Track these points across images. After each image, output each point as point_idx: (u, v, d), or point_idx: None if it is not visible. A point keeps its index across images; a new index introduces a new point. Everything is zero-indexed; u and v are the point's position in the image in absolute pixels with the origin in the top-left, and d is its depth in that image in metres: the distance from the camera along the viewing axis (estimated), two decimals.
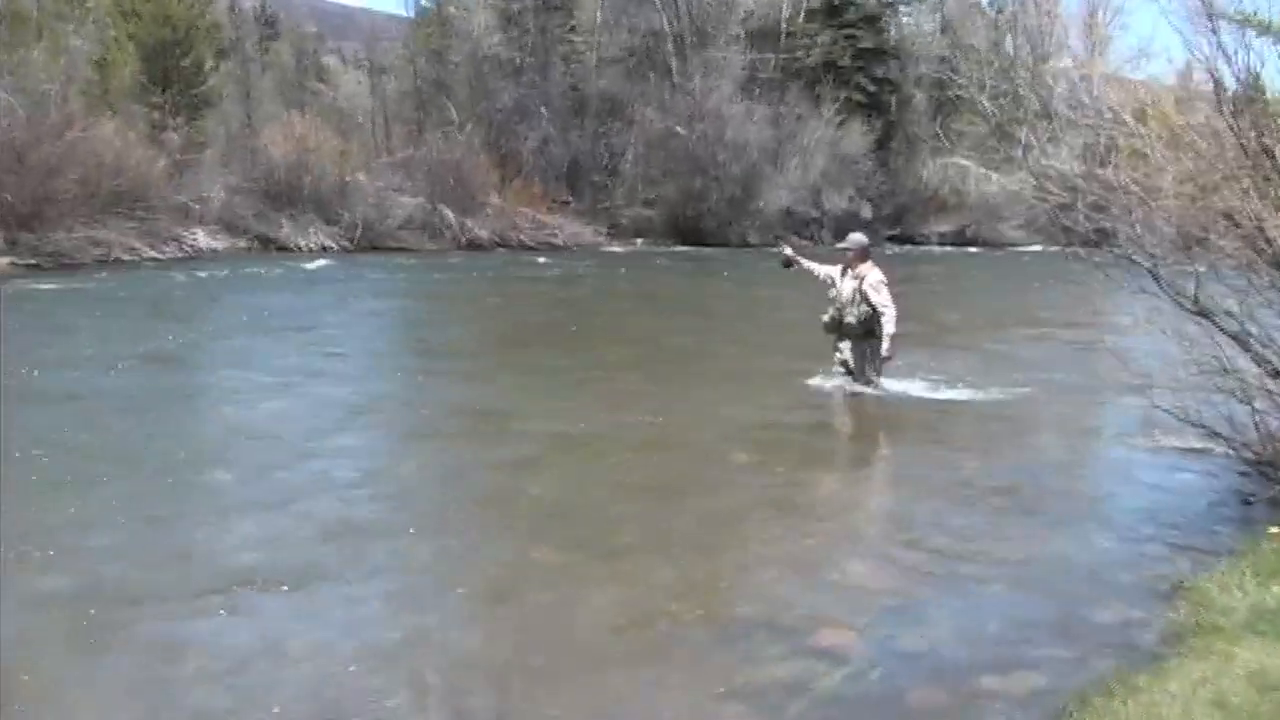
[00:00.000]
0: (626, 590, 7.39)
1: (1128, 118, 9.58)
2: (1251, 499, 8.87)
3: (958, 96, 57.53)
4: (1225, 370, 9.06)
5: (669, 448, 11.56)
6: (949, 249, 56.99)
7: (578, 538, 8.47)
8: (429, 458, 11.23)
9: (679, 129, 52.25)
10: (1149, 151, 9.06)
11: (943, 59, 62.70)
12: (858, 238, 14.62)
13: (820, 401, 13.93)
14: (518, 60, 53.34)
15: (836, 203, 57.29)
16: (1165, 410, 9.85)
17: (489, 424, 12.56)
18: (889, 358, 13.82)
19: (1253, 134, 8.15)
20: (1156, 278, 8.97)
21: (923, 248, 57.65)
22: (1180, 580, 7.28)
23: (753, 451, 11.37)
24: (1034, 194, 9.60)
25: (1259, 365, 8.85)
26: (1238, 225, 8.26)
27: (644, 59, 56.46)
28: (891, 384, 14.11)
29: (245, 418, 12.58)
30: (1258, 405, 9.15)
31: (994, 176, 60.70)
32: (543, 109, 52.37)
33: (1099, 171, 9.03)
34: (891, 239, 57.01)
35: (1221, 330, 8.93)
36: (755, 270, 38.77)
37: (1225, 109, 8.37)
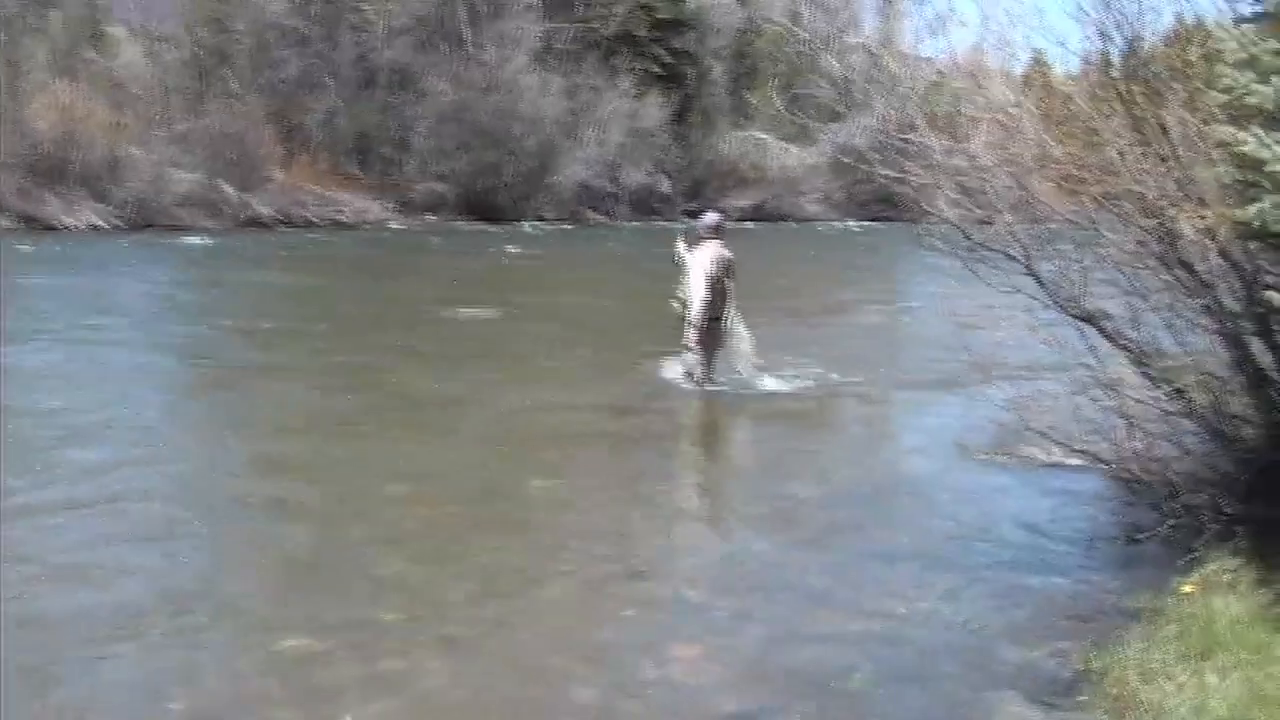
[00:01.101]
0: None
1: (1000, 86, 8.25)
2: (1140, 536, 7.56)
3: (755, 68, 57.02)
4: (1101, 383, 7.80)
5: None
6: (749, 224, 56.12)
7: None
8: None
9: (471, 101, 50.47)
10: (1013, 124, 7.73)
11: (741, 31, 62.08)
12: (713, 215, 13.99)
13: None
14: (303, 29, 51.00)
15: (634, 177, 56.12)
16: (1029, 425, 8.64)
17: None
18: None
19: (1145, 104, 6.89)
20: (1036, 275, 7.56)
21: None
22: (1086, 663, 5.82)
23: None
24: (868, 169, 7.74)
25: (1149, 379, 7.53)
26: (1141, 212, 6.93)
27: (436, 28, 54.36)
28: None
29: None
30: (1139, 420, 7.85)
31: (792, 150, 60.30)
32: (330, 80, 50.16)
33: (965, 145, 7.60)
34: (688, 213, 55.97)
35: (1109, 339, 7.60)
36: (547, 246, 37.60)
37: (1117, 75, 7.11)
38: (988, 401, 9.36)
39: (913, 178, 7.68)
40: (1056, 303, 7.53)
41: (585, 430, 11.46)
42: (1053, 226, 7.70)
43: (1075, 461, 8.82)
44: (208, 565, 7.53)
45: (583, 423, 11.88)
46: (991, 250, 7.57)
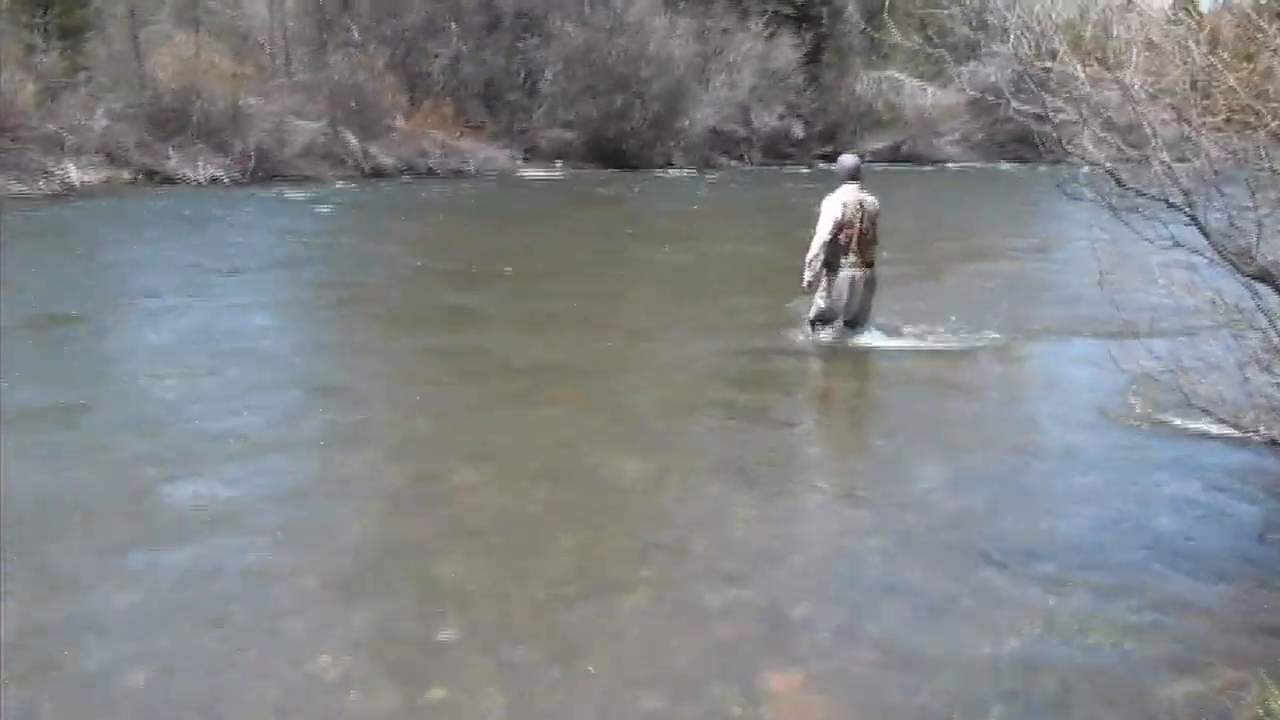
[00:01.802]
0: None
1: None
2: None
3: (892, 4, 55.24)
4: (1276, 350, 6.58)
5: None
6: (886, 165, 54.56)
7: None
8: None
9: (597, 44, 49.37)
10: (1172, 44, 6.49)
11: None
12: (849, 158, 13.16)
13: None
14: None
15: (766, 120, 54.76)
16: (1187, 393, 7.40)
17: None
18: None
19: None
20: (1201, 225, 6.31)
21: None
22: (1264, 706, 4.73)
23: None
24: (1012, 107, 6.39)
25: None
26: None
27: None
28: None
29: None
30: None
31: (929, 90, 58.60)
32: (453, 25, 49.32)
33: (1115, 73, 6.33)
34: (823, 157, 54.75)
35: None
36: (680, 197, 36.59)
37: None
38: (1140, 364, 8.11)
39: (1053, 114, 6.47)
40: (1226, 257, 6.30)
41: (699, 399, 10.42)
42: (1220, 169, 6.45)
43: (1241, 437, 7.64)
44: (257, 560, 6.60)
45: (699, 387, 11.02)
46: (1147, 196, 6.36)
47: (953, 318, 13.66)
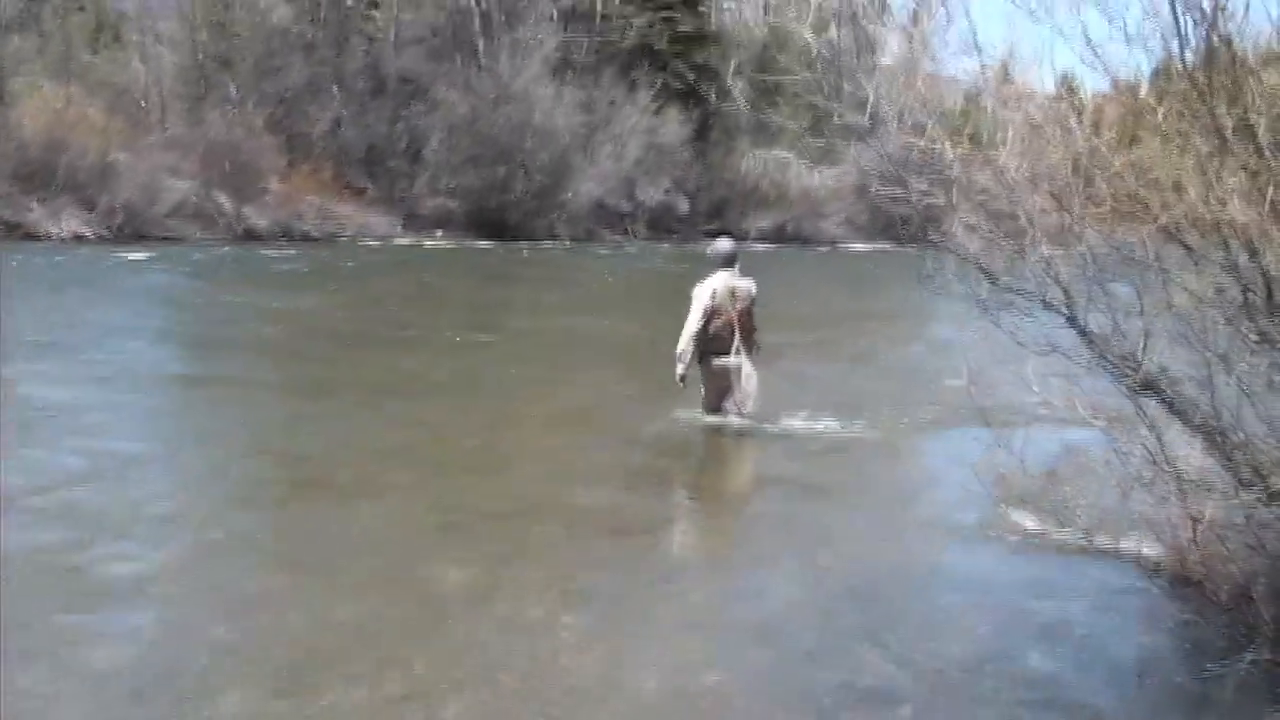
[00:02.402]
0: None
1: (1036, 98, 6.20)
2: (1209, 670, 5.65)
3: (778, 85, 55.08)
4: (1157, 463, 5.82)
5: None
6: (770, 245, 54.20)
7: None
8: None
9: (482, 112, 48.69)
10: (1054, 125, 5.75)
11: (765, 46, 60.33)
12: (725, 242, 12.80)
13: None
14: (310, 35, 49.31)
15: (651, 194, 54.48)
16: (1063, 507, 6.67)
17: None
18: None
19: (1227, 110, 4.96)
20: (1081, 328, 5.57)
21: (741, 244, 54.82)
22: None
23: None
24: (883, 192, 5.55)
25: (1228, 465, 5.52)
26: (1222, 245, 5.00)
27: (449, 39, 52.71)
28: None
29: None
30: (1210, 516, 5.85)
31: (816, 171, 58.62)
32: (335, 88, 48.43)
33: (989, 154, 5.58)
34: (708, 234, 54.38)
35: (1176, 413, 5.62)
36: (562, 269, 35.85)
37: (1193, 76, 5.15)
38: (1014, 472, 7.38)
39: (918, 197, 5.75)
40: (1107, 364, 5.59)
41: (547, 499, 9.59)
42: (1104, 266, 5.73)
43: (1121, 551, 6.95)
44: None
45: (551, 482, 10.22)
46: (1022, 294, 5.65)
47: (827, 408, 12.96)
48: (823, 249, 55.52)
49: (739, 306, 11.91)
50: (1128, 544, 6.73)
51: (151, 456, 10.55)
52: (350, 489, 9.63)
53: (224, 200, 40.61)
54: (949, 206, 5.72)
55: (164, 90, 46.98)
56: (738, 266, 12.17)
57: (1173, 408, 5.57)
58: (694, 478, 10.86)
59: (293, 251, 37.35)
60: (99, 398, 12.92)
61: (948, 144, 5.60)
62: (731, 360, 11.92)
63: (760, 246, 51.15)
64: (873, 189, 6.60)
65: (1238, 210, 5.00)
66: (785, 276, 32.39)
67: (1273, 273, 5.07)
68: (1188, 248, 5.54)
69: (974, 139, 6.06)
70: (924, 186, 5.75)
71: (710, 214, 57.22)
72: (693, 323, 11.85)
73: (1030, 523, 8.10)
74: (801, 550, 8.44)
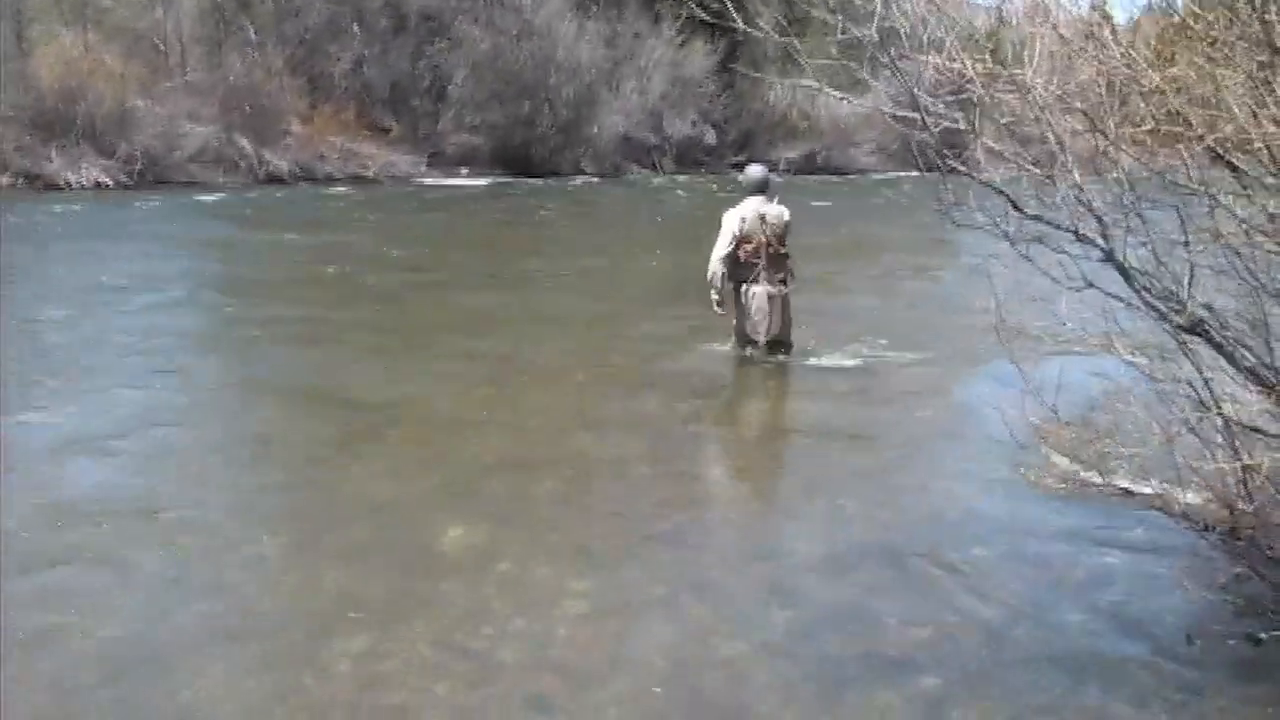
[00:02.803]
0: None
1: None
2: (1262, 635, 5.17)
3: (806, 14, 54.23)
4: (1206, 409, 5.29)
5: None
6: (799, 176, 53.47)
7: None
8: None
9: (504, 48, 48.01)
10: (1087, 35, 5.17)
11: None
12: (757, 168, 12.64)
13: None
14: None
15: (679, 128, 53.72)
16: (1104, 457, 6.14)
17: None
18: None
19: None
20: (1119, 264, 5.03)
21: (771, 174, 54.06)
22: None
23: None
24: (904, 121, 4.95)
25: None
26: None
27: None
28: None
29: None
30: (1265, 469, 5.32)
31: (844, 99, 57.62)
32: (356, 27, 47.75)
33: (1014, 72, 4.99)
34: (736, 165, 53.70)
35: (1226, 356, 5.09)
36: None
37: None
38: (1048, 409, 6.84)
39: (933, 120, 5.20)
40: (1150, 304, 5.05)
41: (544, 456, 9.11)
42: (1143, 193, 5.18)
43: (1164, 508, 6.43)
44: None
45: (563, 429, 9.74)
46: (1052, 226, 5.11)
47: (854, 343, 12.86)
48: (852, 176, 54.66)
49: (770, 233, 11.76)
50: (1172, 494, 6.21)
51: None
52: (356, 444, 9.20)
53: (245, 144, 40.06)
54: (971, 130, 5.17)
55: (183, 34, 46.33)
56: (770, 194, 12.02)
57: (1221, 349, 5.04)
58: (710, 427, 10.29)
59: (337, 190, 36.96)
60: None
61: (968, 60, 5.04)
62: (762, 288, 11.83)
63: (795, 177, 50.44)
64: (886, 111, 5.98)
65: None
66: (819, 209, 31.80)
67: None
68: (1234, 169, 5.01)
69: (998, 59, 5.49)
70: (941, 109, 5.19)
71: (738, 145, 56.47)
72: (720, 248, 11.82)
73: (1066, 470, 7.60)
74: (826, 499, 7.96)
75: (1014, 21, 7.27)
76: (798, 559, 6.81)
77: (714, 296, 11.92)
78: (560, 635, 5.73)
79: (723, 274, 11.85)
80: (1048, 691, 5.15)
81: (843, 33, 5.55)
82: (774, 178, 12.61)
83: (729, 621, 5.92)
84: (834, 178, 53.56)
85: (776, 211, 11.87)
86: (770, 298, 11.83)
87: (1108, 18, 5.30)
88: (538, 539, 7.06)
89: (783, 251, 11.88)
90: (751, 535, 7.43)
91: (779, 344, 12.00)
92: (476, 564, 6.63)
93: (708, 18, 54.87)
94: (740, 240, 11.76)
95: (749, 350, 12.03)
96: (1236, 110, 4.65)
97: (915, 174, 50.97)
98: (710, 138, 55.27)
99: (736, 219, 11.83)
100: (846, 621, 5.90)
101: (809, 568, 6.65)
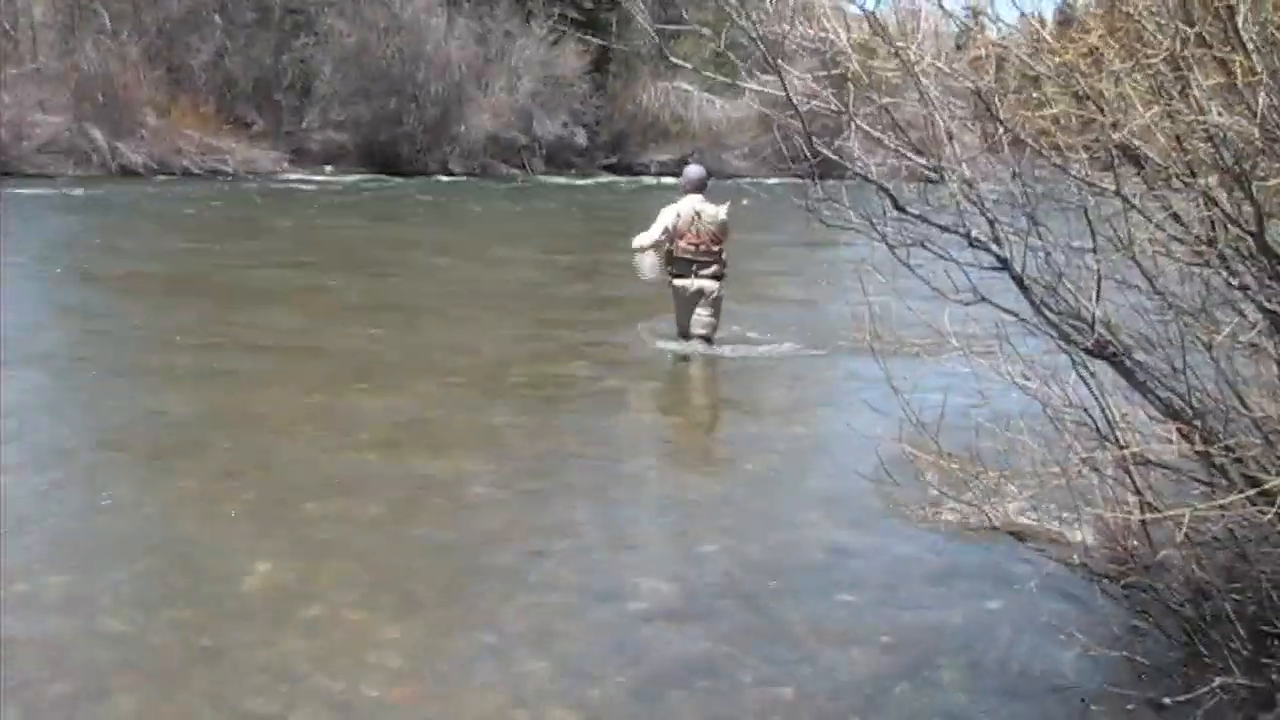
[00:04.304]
0: None
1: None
2: (1167, 701, 4.50)
3: (680, 17, 53.83)
4: (1105, 441, 4.56)
5: None
6: (669, 179, 53.09)
7: None
8: None
9: (372, 43, 46.99)
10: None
11: None
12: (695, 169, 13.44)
13: None
14: None
15: (549, 128, 52.95)
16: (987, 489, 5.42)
17: None
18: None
19: None
20: (1014, 273, 4.28)
21: (642, 178, 53.69)
22: None
23: None
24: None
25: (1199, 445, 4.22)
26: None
27: None
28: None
29: None
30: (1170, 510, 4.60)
31: (718, 103, 57.35)
32: (217, 18, 46.41)
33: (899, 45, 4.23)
34: (608, 168, 53.27)
35: (1134, 383, 4.38)
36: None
37: None
38: (926, 436, 6.11)
39: (800, 97, 4.43)
40: (1055, 324, 4.33)
41: (372, 475, 8.30)
42: (1047, 190, 4.47)
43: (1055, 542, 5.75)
44: None
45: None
46: (939, 228, 4.38)
47: (743, 346, 13.17)
48: (725, 182, 54.34)
49: (704, 230, 12.41)
50: (1063, 533, 5.55)
51: None
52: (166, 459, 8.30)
53: (98, 135, 38.68)
54: (845, 111, 4.42)
55: (33, 20, 44.73)
56: (707, 193, 12.68)
57: (1131, 376, 4.33)
58: (567, 434, 9.55)
59: (171, 189, 35.70)
60: None
61: (840, 31, 4.28)
62: (699, 283, 12.46)
63: (659, 179, 50.02)
64: (752, 87, 5.22)
65: (1223, 120, 3.75)
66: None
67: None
68: (1141, 168, 4.30)
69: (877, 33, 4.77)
70: (812, 85, 4.44)
71: (610, 147, 56.13)
72: (647, 234, 12.49)
73: (947, 505, 6.89)
74: (680, 531, 7.31)
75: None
76: (646, 603, 6.03)
77: (636, 259, 12.70)
78: (367, 697, 4.92)
79: (648, 245, 12.48)
80: None
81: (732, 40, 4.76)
82: (707, 179, 13.06)
83: (567, 677, 5.13)
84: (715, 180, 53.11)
85: (713, 211, 12.48)
86: (703, 292, 12.44)
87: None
88: (354, 576, 6.24)
89: (715, 249, 12.46)
90: (596, 573, 6.57)
91: (703, 337, 12.55)
92: (280, 608, 5.79)
93: (580, 16, 54.81)
94: (675, 235, 12.40)
95: (685, 344, 12.58)
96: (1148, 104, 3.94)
97: (786, 181, 51.01)
98: (581, 139, 54.66)
99: (672, 214, 12.44)
100: (698, 680, 5.14)
101: (658, 614, 5.88)
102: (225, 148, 42.34)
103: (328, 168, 45.88)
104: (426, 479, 8.07)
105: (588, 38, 54.59)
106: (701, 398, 11.71)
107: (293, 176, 42.87)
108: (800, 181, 5.25)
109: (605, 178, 50.63)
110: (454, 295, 17.09)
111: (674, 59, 6.39)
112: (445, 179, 46.32)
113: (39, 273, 18.30)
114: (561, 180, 49.83)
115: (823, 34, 4.25)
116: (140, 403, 10.03)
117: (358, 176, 44.52)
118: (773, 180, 50.81)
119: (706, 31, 5.84)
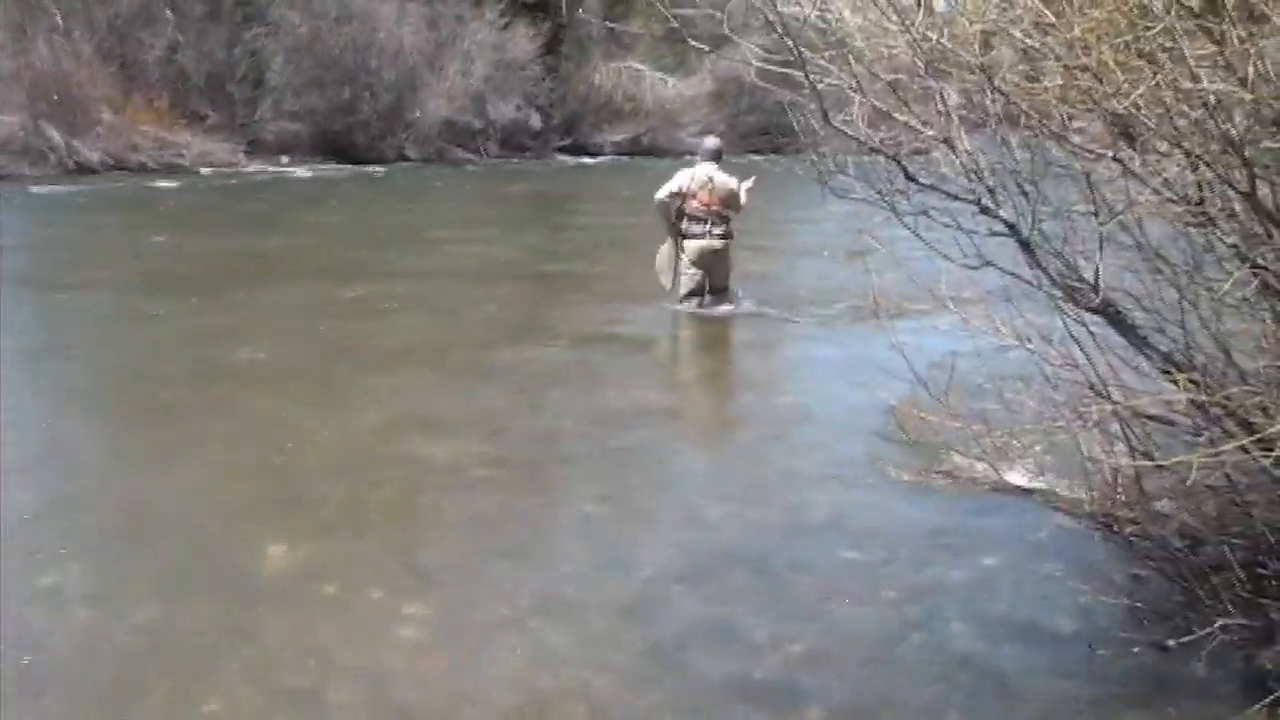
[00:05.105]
0: None
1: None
2: (1170, 643, 4.71)
3: None
4: (1101, 395, 4.78)
5: None
6: (624, 158, 53.09)
7: None
8: None
9: (323, 32, 46.80)
10: None
11: None
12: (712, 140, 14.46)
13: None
14: None
15: (503, 111, 52.78)
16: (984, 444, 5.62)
17: None
18: None
19: None
20: (1019, 235, 4.49)
21: (597, 158, 53.68)
22: None
23: None
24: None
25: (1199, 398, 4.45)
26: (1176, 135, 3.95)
27: None
28: None
29: None
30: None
31: (670, 81, 57.44)
32: (169, 13, 46.15)
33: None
34: (563, 149, 53.30)
35: (1132, 341, 4.59)
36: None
37: None
38: (929, 397, 6.31)
39: (813, 75, 4.60)
40: (1061, 286, 4.52)
41: (376, 459, 8.44)
42: (1051, 159, 4.66)
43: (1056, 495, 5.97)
44: None
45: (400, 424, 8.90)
46: (950, 197, 4.57)
47: (744, 314, 13.60)
48: (678, 159, 54.41)
49: (714, 195, 13.28)
50: (1061, 488, 5.75)
51: None
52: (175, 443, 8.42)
53: (54, 134, 38.40)
54: (851, 86, 4.60)
55: None
56: (720, 165, 13.58)
57: (1132, 333, 4.54)
58: (561, 410, 9.64)
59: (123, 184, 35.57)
60: None
61: (845, 10, 4.47)
62: (708, 242, 13.32)
63: (615, 158, 50.14)
64: (759, 64, 5.37)
65: (1214, 85, 3.95)
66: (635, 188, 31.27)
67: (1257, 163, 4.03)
68: (1130, 137, 4.51)
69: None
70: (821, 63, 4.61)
71: (564, 129, 55.89)
72: (662, 191, 13.40)
73: (951, 463, 7.10)
74: (684, 499, 7.48)
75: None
76: (655, 570, 6.21)
77: (661, 216, 13.52)
78: (396, 670, 5.09)
79: (668, 212, 13.40)
80: (946, 717, 4.64)
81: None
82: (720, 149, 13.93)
83: (584, 646, 5.32)
84: (661, 160, 53.15)
85: (723, 179, 13.40)
86: (714, 251, 13.32)
87: None
88: (368, 556, 6.40)
89: (725, 213, 13.33)
90: (604, 544, 6.75)
91: (719, 290, 13.48)
92: (299, 588, 5.95)
93: (530, 0, 54.71)
94: (688, 195, 13.30)
95: (695, 300, 13.39)
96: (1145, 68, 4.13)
97: (748, 157, 51.28)
98: (535, 121, 54.48)
99: (686, 176, 13.42)
100: (713, 642, 5.34)
101: (668, 580, 6.06)
102: (181, 142, 42.07)
103: (284, 158, 45.64)
104: (427, 460, 8.22)
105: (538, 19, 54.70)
106: (693, 369, 11.93)
107: (249, 169, 42.68)
108: (760, 157, 5.42)
109: (561, 159, 50.61)
110: (436, 273, 17.10)
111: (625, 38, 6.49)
112: (404, 165, 46.16)
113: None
114: (516, 163, 49.76)
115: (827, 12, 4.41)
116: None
117: (313, 166, 44.34)
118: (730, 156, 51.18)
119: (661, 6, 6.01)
